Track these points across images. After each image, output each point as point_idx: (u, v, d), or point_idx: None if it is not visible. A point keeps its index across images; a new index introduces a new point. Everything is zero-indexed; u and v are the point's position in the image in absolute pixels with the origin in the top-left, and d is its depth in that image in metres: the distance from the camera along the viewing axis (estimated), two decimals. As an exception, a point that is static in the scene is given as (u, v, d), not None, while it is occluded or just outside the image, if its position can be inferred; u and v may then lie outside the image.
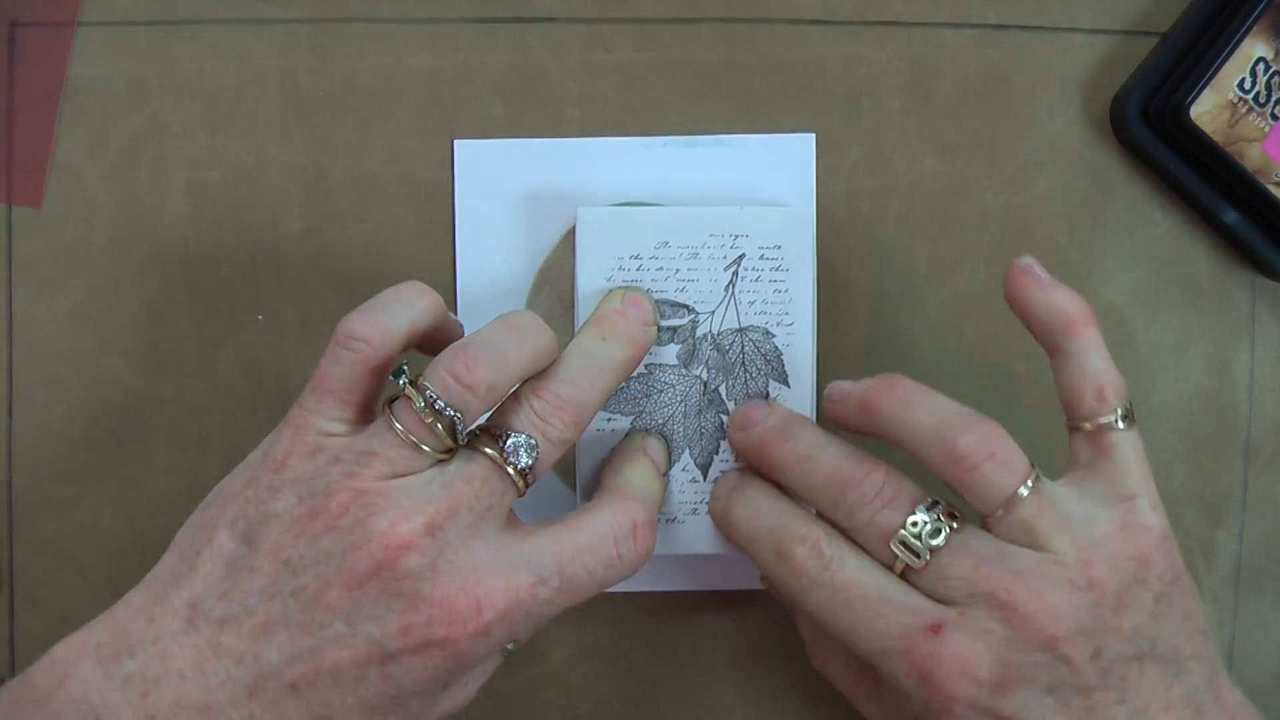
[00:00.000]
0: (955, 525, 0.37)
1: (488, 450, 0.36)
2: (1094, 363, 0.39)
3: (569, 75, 0.47)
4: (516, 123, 0.46)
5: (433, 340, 0.40)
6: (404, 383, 0.37)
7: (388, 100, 0.47)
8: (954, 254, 0.47)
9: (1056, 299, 0.39)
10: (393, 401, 0.37)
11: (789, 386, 0.44)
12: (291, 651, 0.35)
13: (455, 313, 0.46)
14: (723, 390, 0.44)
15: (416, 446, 0.36)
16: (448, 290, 0.46)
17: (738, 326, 0.43)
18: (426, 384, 0.36)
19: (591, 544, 0.37)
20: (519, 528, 0.38)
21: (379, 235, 0.47)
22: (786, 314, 0.43)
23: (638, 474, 0.41)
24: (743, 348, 0.44)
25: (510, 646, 0.38)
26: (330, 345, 0.37)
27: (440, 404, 0.36)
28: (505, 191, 0.46)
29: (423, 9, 0.47)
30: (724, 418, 0.44)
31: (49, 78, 0.46)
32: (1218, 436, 0.47)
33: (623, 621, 0.47)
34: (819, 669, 0.43)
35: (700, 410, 0.44)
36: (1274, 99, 0.44)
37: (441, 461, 0.37)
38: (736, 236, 0.43)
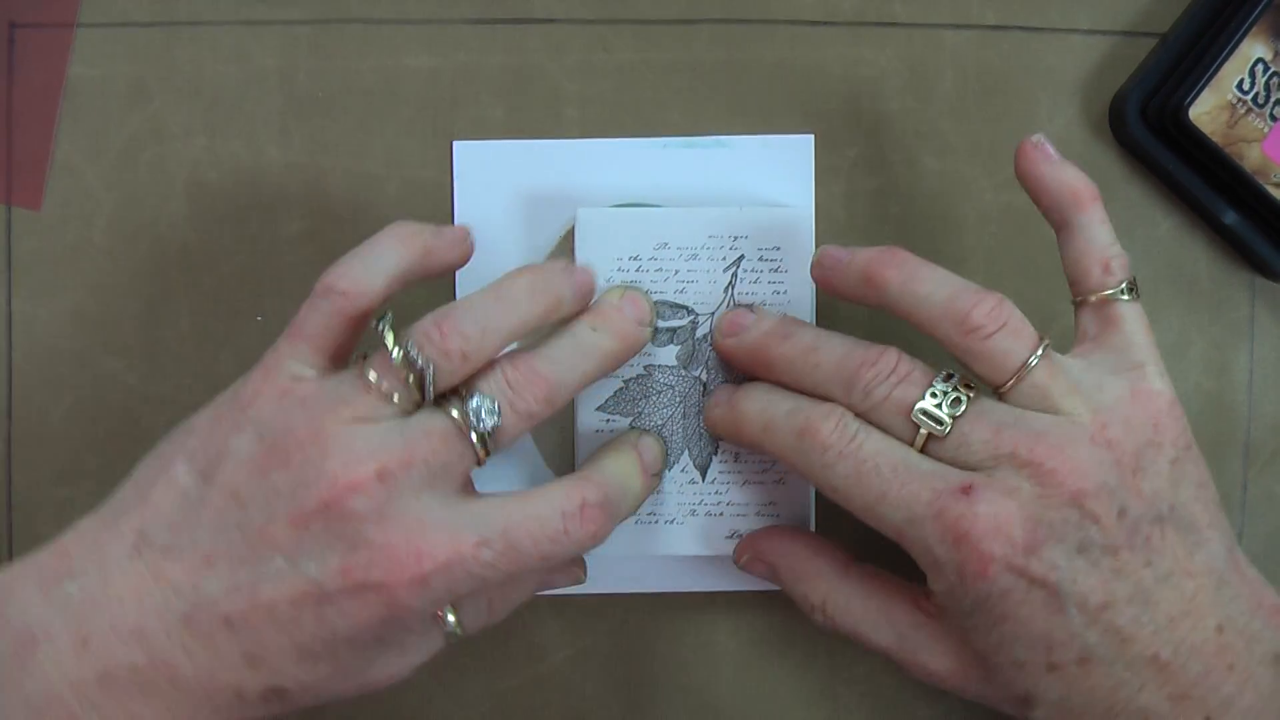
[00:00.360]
0: (972, 395, 0.38)
1: (452, 411, 0.36)
2: (1100, 237, 0.40)
3: (569, 76, 0.47)
4: (516, 123, 0.46)
5: (429, 274, 0.40)
6: (384, 328, 0.37)
7: (388, 100, 0.47)
8: (954, 254, 0.47)
9: (1066, 175, 0.40)
10: (367, 355, 0.37)
11: (788, 387, 0.44)
12: (230, 584, 0.35)
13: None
14: (722, 391, 0.44)
15: (385, 397, 0.36)
16: (448, 291, 0.46)
17: (737, 328, 0.43)
18: (407, 338, 0.37)
19: (540, 514, 0.37)
20: (473, 494, 0.38)
21: (379, 235, 0.47)
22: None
23: (615, 463, 0.41)
24: (742, 349, 0.44)
25: (453, 627, 0.38)
26: (310, 295, 0.38)
27: (416, 359, 0.36)
28: (504, 192, 0.46)
29: (423, 9, 0.47)
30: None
31: (49, 78, 0.46)
32: (1217, 437, 0.47)
33: (623, 621, 0.47)
34: (823, 621, 0.42)
35: (699, 411, 0.44)
36: (1273, 100, 0.44)
37: (406, 415, 0.37)
38: (736, 238, 0.43)
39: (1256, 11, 0.44)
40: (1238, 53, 0.44)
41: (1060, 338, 0.46)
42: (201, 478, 0.36)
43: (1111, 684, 0.37)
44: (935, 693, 0.48)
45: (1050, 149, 0.40)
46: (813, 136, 0.46)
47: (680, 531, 0.44)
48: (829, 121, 0.47)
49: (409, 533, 0.35)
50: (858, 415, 0.39)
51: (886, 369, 0.38)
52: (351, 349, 0.39)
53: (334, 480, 0.35)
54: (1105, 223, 0.40)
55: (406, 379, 0.37)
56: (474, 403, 0.37)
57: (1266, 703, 0.37)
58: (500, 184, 0.46)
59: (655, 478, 0.43)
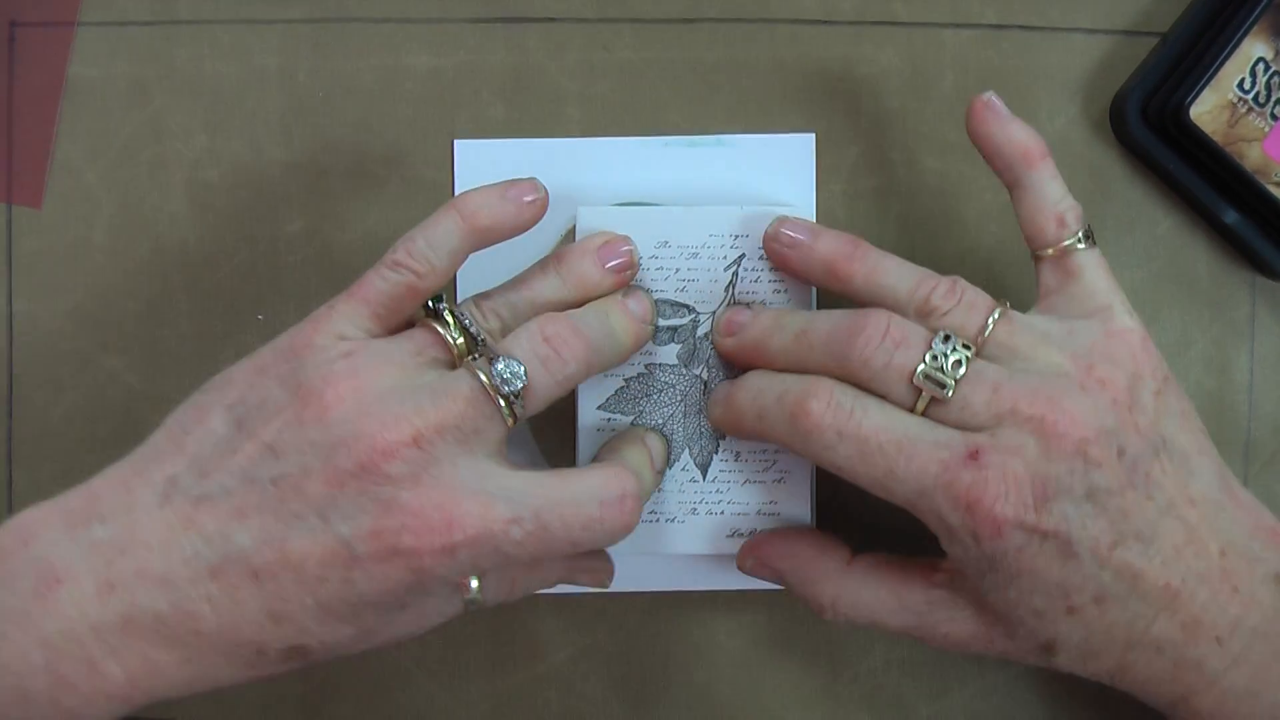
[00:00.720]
0: (970, 354, 0.38)
1: (480, 374, 0.36)
2: (1052, 192, 0.40)
3: (569, 75, 0.47)
4: (516, 123, 0.46)
5: (495, 243, 0.40)
6: (443, 312, 0.38)
7: (388, 100, 0.47)
8: (954, 254, 0.47)
9: (1016, 133, 0.40)
10: (415, 323, 0.38)
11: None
12: (261, 537, 0.35)
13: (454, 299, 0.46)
14: (723, 390, 0.44)
15: (429, 364, 0.37)
16: (449, 291, 0.46)
17: (738, 326, 0.43)
18: (461, 312, 0.38)
19: (576, 499, 0.37)
20: (509, 464, 0.37)
21: (379, 235, 0.47)
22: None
23: (635, 456, 0.41)
24: (743, 347, 0.44)
25: (474, 595, 0.38)
26: (379, 263, 0.38)
27: (470, 326, 0.38)
28: (505, 191, 0.46)
29: (423, 9, 0.47)
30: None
31: (49, 78, 0.46)
32: (1217, 436, 0.47)
33: (623, 621, 0.47)
34: (835, 619, 0.42)
35: (700, 410, 0.44)
36: (1274, 99, 0.44)
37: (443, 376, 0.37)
38: (736, 236, 0.43)
39: (1257, 11, 0.44)
40: (1238, 52, 0.44)
41: (1061, 337, 0.46)
42: (237, 426, 0.36)
43: (1128, 618, 0.37)
44: (935, 692, 0.48)
45: (1001, 106, 0.40)
46: (814, 135, 0.46)
47: (681, 530, 0.44)
48: (829, 121, 0.47)
49: (443, 500, 0.35)
50: (861, 386, 0.38)
51: (878, 334, 0.38)
52: (402, 324, 0.39)
53: (372, 443, 0.35)
54: (1056, 178, 0.40)
55: (454, 350, 0.37)
56: (499, 365, 0.37)
57: (1271, 621, 0.38)
58: (501, 183, 0.46)
59: (659, 475, 0.43)
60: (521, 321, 0.39)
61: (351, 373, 0.36)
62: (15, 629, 0.34)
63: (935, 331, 0.38)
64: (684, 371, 0.44)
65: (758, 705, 0.48)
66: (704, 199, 0.46)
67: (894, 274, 0.39)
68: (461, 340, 0.38)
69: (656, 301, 0.43)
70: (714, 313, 0.44)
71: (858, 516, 0.46)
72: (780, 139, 0.46)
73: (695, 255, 0.43)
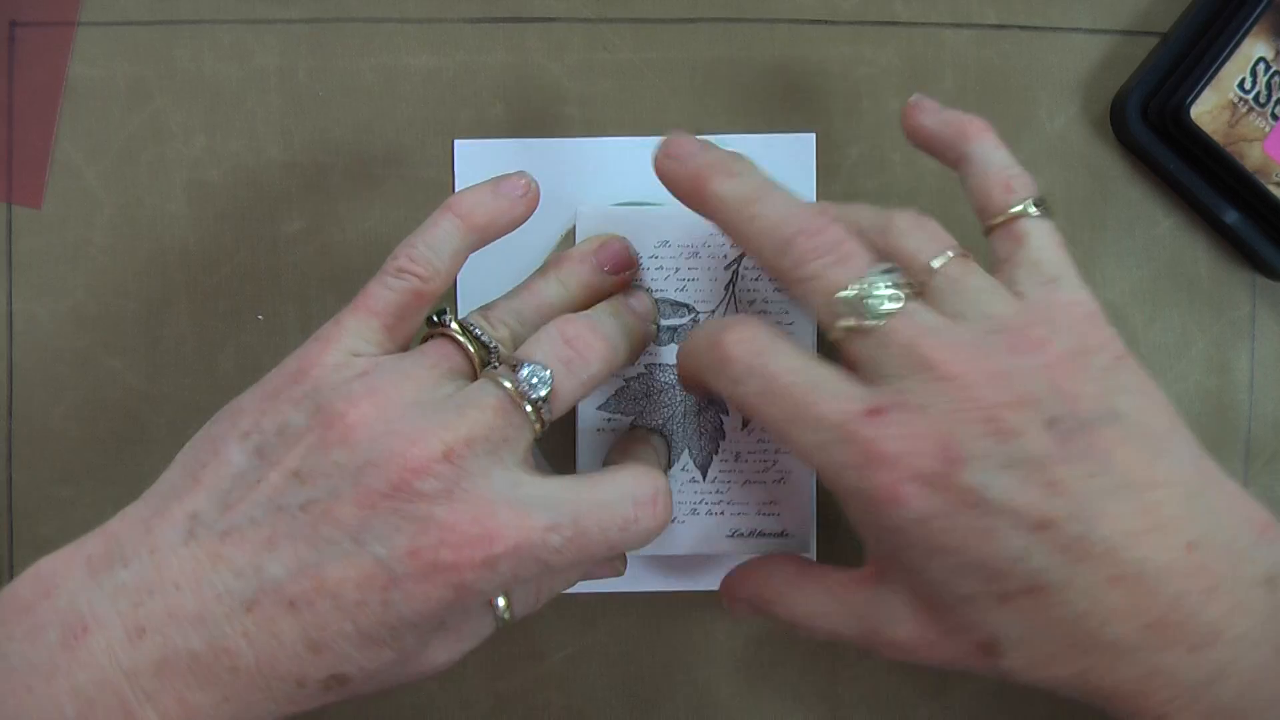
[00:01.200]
0: (908, 294, 0.35)
1: (504, 382, 0.36)
2: (997, 159, 0.38)
3: (569, 75, 0.47)
4: (516, 123, 0.46)
5: (492, 240, 0.40)
6: (450, 324, 0.37)
7: (388, 100, 0.47)
8: (954, 254, 0.47)
9: (949, 116, 0.39)
10: (428, 337, 0.38)
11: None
12: (295, 566, 0.33)
13: (456, 312, 0.46)
14: (723, 390, 0.44)
15: (447, 376, 0.36)
16: (448, 294, 0.46)
17: (738, 326, 0.43)
18: (470, 323, 0.38)
19: (610, 501, 0.36)
20: (538, 471, 0.37)
21: (379, 235, 0.47)
22: (786, 313, 0.43)
23: (650, 456, 0.41)
24: (743, 347, 0.44)
25: (503, 611, 0.37)
26: (381, 272, 0.38)
27: (481, 336, 0.37)
28: (505, 191, 0.46)
29: (423, 9, 0.47)
30: (723, 417, 0.44)
31: (49, 78, 0.46)
32: (1218, 436, 0.47)
33: (623, 621, 0.47)
34: (807, 636, 0.41)
35: (700, 410, 0.44)
36: (1274, 99, 0.44)
37: (462, 388, 0.37)
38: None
39: (1257, 11, 0.44)
40: (1239, 52, 0.44)
41: (1061, 337, 0.46)
42: (258, 455, 0.35)
43: (1072, 615, 0.33)
44: (935, 692, 0.48)
45: (928, 102, 0.40)
46: (814, 135, 0.46)
47: (681, 530, 0.44)
48: (830, 121, 0.47)
49: (478, 513, 0.34)
50: (785, 284, 0.37)
51: (826, 244, 0.36)
52: (412, 333, 0.39)
53: (403, 462, 0.34)
54: (1000, 147, 0.39)
55: (471, 359, 0.37)
56: (524, 371, 0.36)
57: (1264, 629, 0.33)
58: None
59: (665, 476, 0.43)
60: (530, 329, 0.39)
61: (371, 391, 0.35)
62: (43, 682, 0.32)
63: (886, 259, 0.36)
64: (684, 371, 0.44)
65: (758, 705, 0.48)
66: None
67: (865, 213, 0.38)
68: (472, 352, 0.37)
69: (657, 301, 0.43)
70: (714, 312, 0.44)
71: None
72: (780, 139, 0.46)
73: (695, 255, 0.43)
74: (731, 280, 0.43)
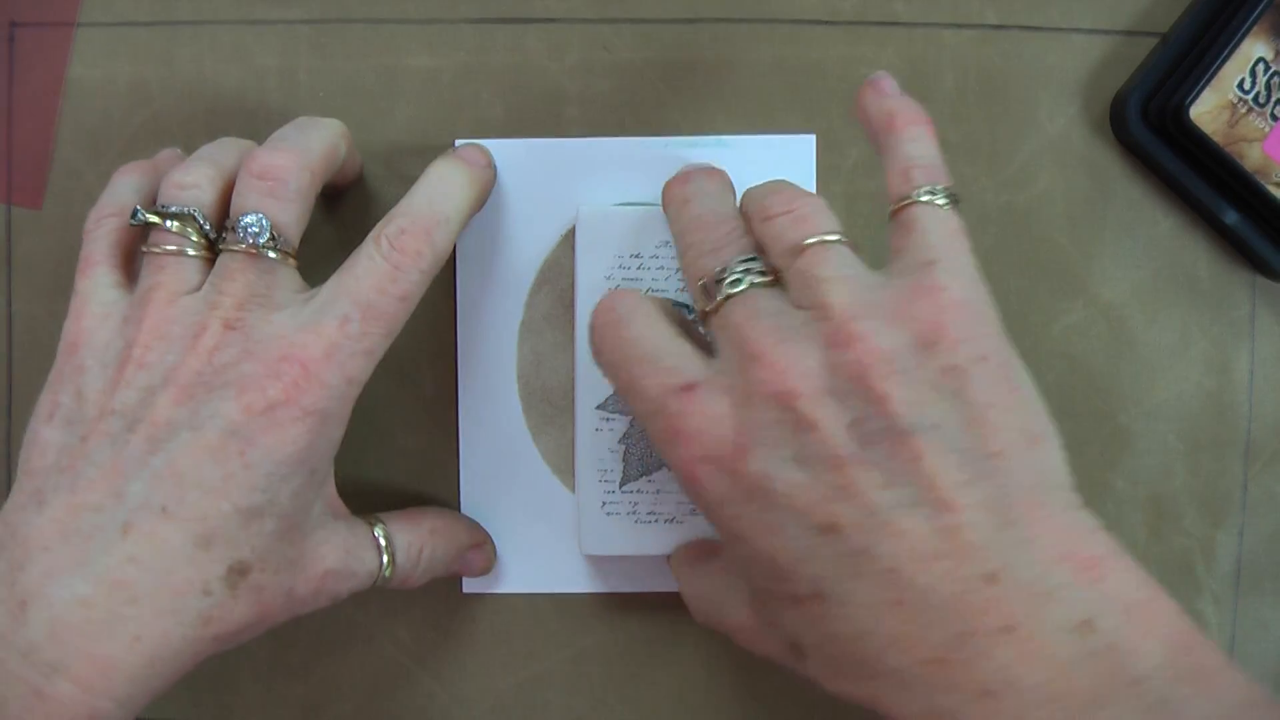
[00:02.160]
0: (759, 281, 0.36)
1: (232, 247, 0.37)
2: (908, 151, 0.36)
3: (569, 75, 0.47)
4: (516, 123, 0.46)
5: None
6: (141, 216, 0.38)
7: (388, 100, 0.47)
8: (954, 254, 0.47)
9: (886, 103, 0.37)
10: (146, 246, 0.39)
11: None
12: (150, 474, 0.34)
13: (455, 312, 0.46)
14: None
15: (180, 254, 0.37)
16: (447, 293, 0.46)
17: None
18: (160, 204, 0.38)
19: (365, 268, 0.37)
20: (308, 289, 0.38)
21: (379, 235, 0.47)
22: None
23: (422, 191, 0.40)
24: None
25: (376, 527, 0.40)
26: (84, 233, 0.39)
27: (177, 209, 0.38)
28: (506, 191, 0.46)
29: (423, 9, 0.47)
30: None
31: (49, 78, 0.46)
32: (1218, 436, 0.47)
33: (622, 622, 0.47)
34: (696, 617, 0.41)
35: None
36: (1274, 99, 0.44)
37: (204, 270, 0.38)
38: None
39: (1257, 11, 0.44)
40: (1238, 52, 0.44)
41: (1064, 335, 0.47)
42: (67, 424, 0.36)
43: (855, 633, 0.31)
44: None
45: (884, 82, 0.38)
46: (814, 136, 0.46)
47: (680, 531, 0.44)
48: (830, 121, 0.47)
49: (279, 349, 0.36)
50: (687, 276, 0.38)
51: (711, 238, 0.38)
52: (138, 257, 0.40)
53: (195, 349, 0.36)
54: (918, 140, 0.36)
55: (183, 230, 0.38)
56: (240, 228, 0.37)
57: (1068, 680, 0.29)
58: (501, 183, 0.46)
59: (488, 169, 0.43)
60: (224, 172, 0.39)
61: (137, 319, 0.37)
62: None
63: (758, 241, 0.37)
64: (683, 372, 0.44)
65: (758, 705, 0.48)
66: (704, 199, 0.46)
67: (766, 195, 0.38)
68: (180, 224, 0.38)
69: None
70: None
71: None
72: (780, 140, 0.46)
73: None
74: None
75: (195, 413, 0.35)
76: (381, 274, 0.37)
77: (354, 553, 0.39)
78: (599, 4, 0.46)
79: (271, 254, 0.37)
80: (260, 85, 0.47)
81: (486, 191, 0.43)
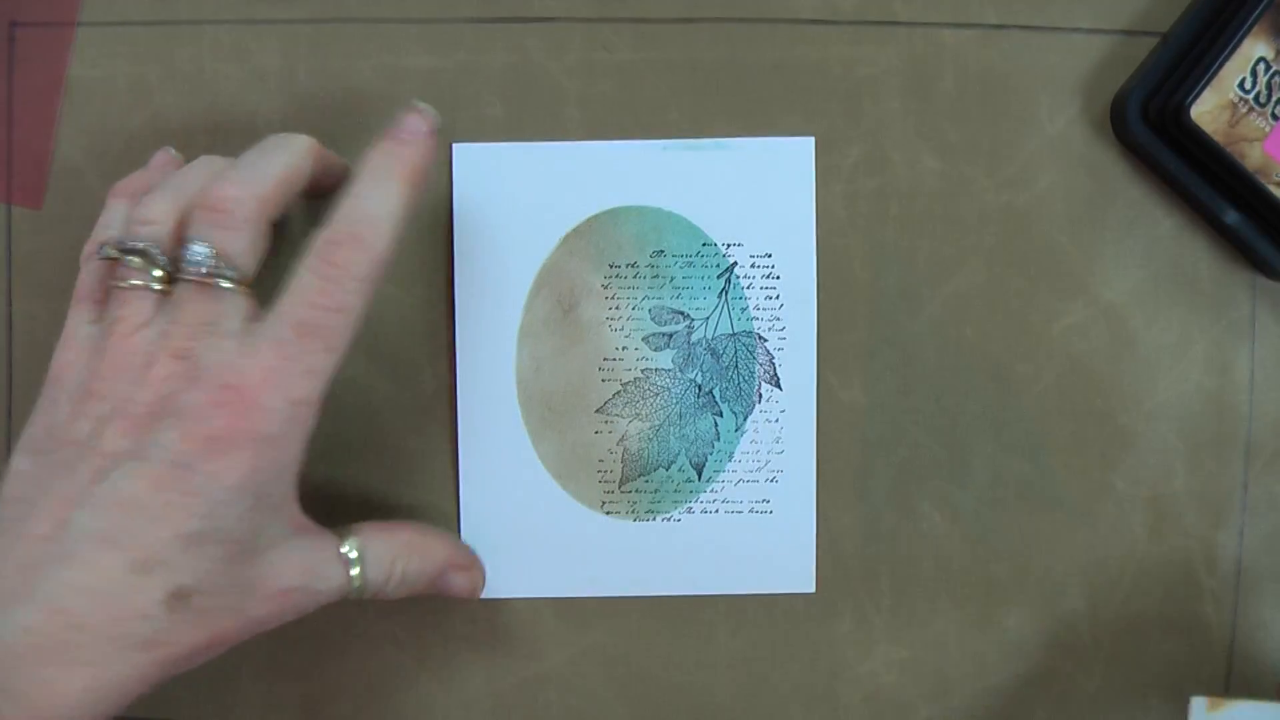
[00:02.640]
0: (135, 285, 0.38)
1: (184, 279, 0.37)
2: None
3: (569, 75, 0.46)
4: (516, 123, 0.46)
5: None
6: (105, 252, 0.39)
7: (388, 100, 0.47)
8: (954, 254, 0.47)
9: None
10: (110, 284, 0.39)
11: (780, 389, 0.44)
12: (93, 505, 0.35)
13: (454, 316, 0.46)
14: (716, 392, 0.44)
15: (144, 288, 0.38)
16: (445, 298, 0.46)
17: (731, 332, 0.44)
18: (121, 240, 0.39)
19: (295, 285, 0.37)
20: (258, 316, 0.38)
21: (378, 236, 0.47)
22: (779, 319, 0.44)
23: (357, 185, 0.40)
24: (736, 352, 0.44)
25: (351, 551, 0.39)
26: (80, 261, 0.40)
27: (135, 245, 0.38)
28: (503, 194, 0.46)
29: (423, 9, 0.47)
30: (718, 419, 0.44)
31: (49, 78, 0.46)
32: (1218, 436, 0.47)
33: (623, 622, 0.48)
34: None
35: (695, 412, 0.44)
36: (1275, 99, 0.44)
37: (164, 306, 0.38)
38: (729, 245, 0.43)
39: (1258, 10, 0.43)
40: (1239, 52, 0.44)
41: (1064, 335, 0.46)
42: (34, 455, 0.37)
43: None
44: (935, 693, 0.48)
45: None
46: (813, 140, 0.46)
47: (678, 530, 0.44)
48: (829, 121, 0.47)
49: (222, 377, 0.36)
50: None
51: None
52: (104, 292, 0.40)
53: (145, 381, 0.36)
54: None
55: (146, 270, 0.38)
56: (188, 259, 0.37)
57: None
58: (499, 186, 0.46)
59: (422, 144, 0.40)
60: (180, 204, 0.39)
61: (97, 352, 0.37)
62: None
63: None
64: (679, 375, 0.44)
65: (758, 705, 0.48)
66: (702, 203, 0.46)
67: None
68: (135, 258, 0.38)
69: (653, 308, 0.43)
70: (708, 319, 0.44)
71: (860, 519, 0.46)
72: (780, 142, 0.46)
73: (690, 264, 0.43)
74: (724, 288, 0.43)
75: (140, 443, 0.35)
76: (312, 290, 0.37)
77: (315, 570, 0.39)
78: (599, 4, 0.46)
79: (223, 283, 0.37)
80: (260, 85, 0.47)
81: (423, 171, 0.40)
